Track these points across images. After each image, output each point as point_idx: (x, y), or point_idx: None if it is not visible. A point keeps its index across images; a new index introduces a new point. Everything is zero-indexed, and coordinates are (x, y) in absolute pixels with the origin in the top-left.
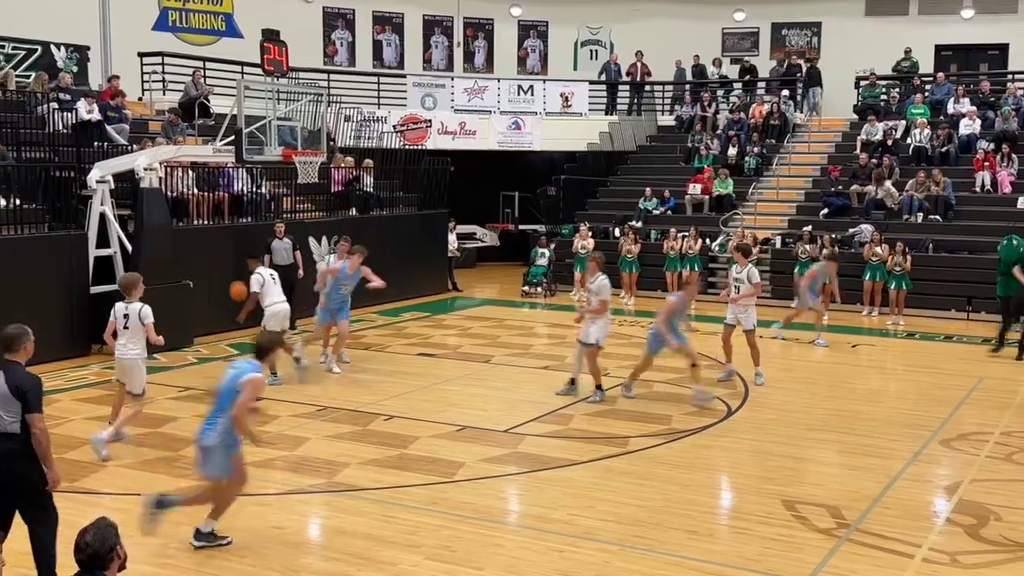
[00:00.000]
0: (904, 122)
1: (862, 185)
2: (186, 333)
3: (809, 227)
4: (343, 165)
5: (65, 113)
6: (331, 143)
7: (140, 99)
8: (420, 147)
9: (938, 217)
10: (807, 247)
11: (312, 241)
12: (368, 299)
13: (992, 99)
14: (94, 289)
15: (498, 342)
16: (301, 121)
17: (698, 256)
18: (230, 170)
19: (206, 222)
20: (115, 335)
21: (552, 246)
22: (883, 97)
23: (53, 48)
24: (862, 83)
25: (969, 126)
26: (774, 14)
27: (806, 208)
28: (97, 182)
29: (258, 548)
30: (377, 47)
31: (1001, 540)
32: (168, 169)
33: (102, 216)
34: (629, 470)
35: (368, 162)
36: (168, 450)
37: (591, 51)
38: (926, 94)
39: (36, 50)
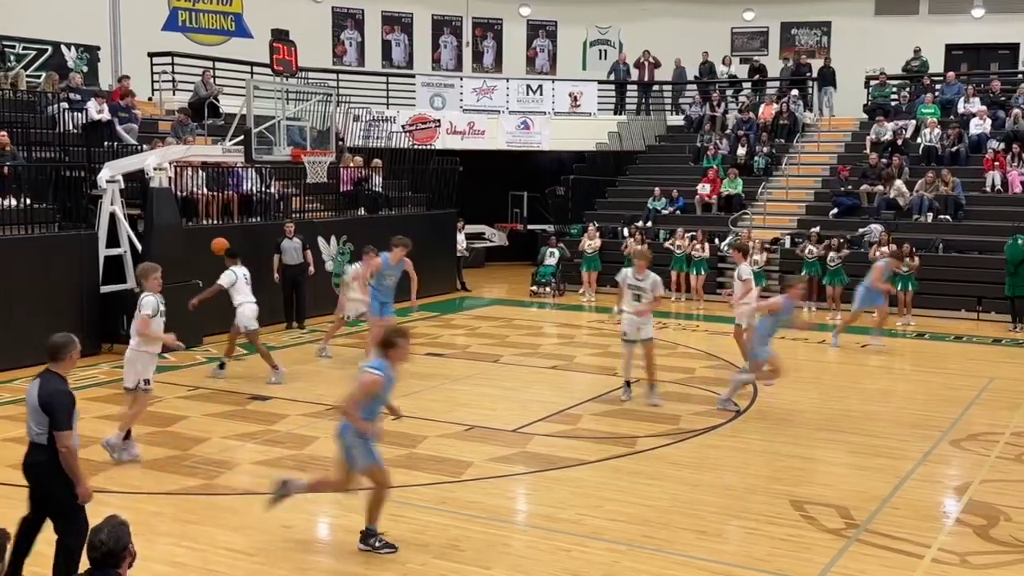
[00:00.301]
0: (914, 122)
1: (872, 185)
2: (195, 332)
3: (817, 228)
4: (352, 165)
5: (75, 113)
6: (340, 143)
7: (150, 99)
8: (429, 147)
9: (948, 217)
10: (813, 248)
11: (321, 241)
12: None
13: (1003, 99)
14: (104, 288)
15: (507, 342)
16: (310, 121)
17: (704, 259)
18: (239, 170)
19: (215, 222)
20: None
21: (561, 245)
22: (893, 97)
23: (63, 48)
24: (872, 83)
25: (979, 126)
26: (783, 13)
27: (815, 208)
28: (107, 182)
29: (267, 546)
30: (386, 47)
31: (1011, 541)
32: (178, 169)
33: (112, 216)
34: (637, 470)
35: (377, 162)
36: (177, 449)
37: (600, 51)
38: (936, 94)
39: (46, 50)
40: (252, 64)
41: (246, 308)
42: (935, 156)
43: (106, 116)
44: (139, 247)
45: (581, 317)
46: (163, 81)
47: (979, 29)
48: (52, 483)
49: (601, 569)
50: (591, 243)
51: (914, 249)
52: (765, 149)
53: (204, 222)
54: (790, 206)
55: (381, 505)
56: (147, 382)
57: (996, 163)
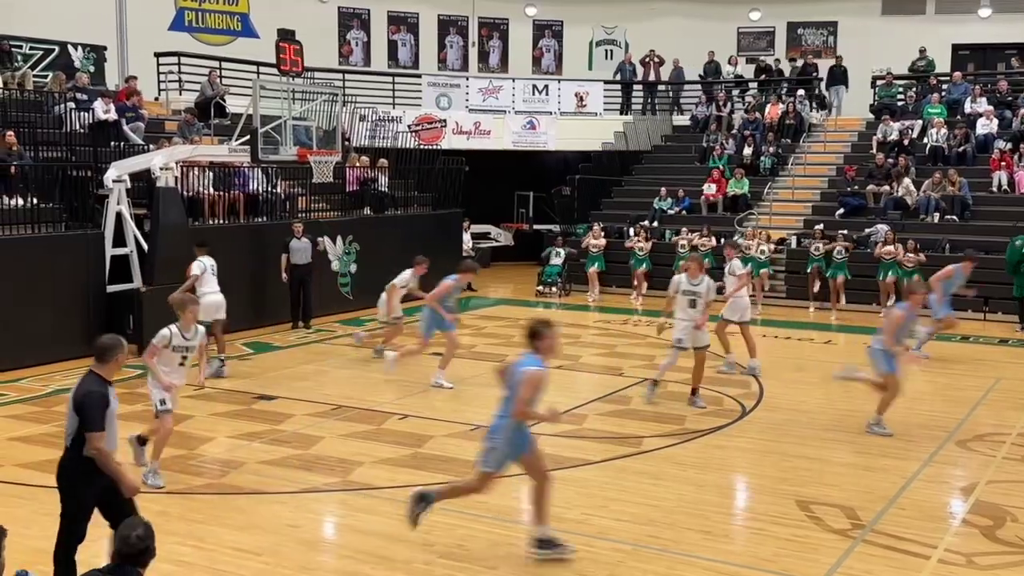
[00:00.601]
0: (921, 122)
1: (878, 185)
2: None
3: (821, 225)
4: (358, 165)
5: (82, 113)
6: (346, 143)
7: (156, 99)
8: (435, 147)
9: (955, 217)
10: (819, 244)
11: (327, 241)
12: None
13: (1009, 99)
14: (110, 288)
15: (512, 342)
16: (316, 121)
17: (710, 253)
18: (245, 170)
19: (221, 221)
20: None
21: (568, 248)
22: (900, 97)
23: (70, 48)
24: (878, 83)
25: (986, 126)
26: (790, 13)
27: (822, 208)
28: (114, 181)
29: (273, 546)
30: (392, 47)
31: (1018, 541)
32: (184, 168)
33: (118, 215)
34: (643, 470)
35: (383, 162)
36: (183, 448)
37: (606, 51)
38: (943, 94)
39: (53, 50)
40: (258, 64)
41: (212, 299)
42: (942, 156)
43: (113, 116)
44: (145, 247)
45: (587, 317)
46: (169, 81)
47: (986, 29)
48: (71, 482)
49: (607, 569)
50: (595, 241)
51: (918, 246)
52: (771, 149)
53: (210, 222)
54: (796, 206)
55: (545, 503)
56: (163, 402)
57: (1003, 163)
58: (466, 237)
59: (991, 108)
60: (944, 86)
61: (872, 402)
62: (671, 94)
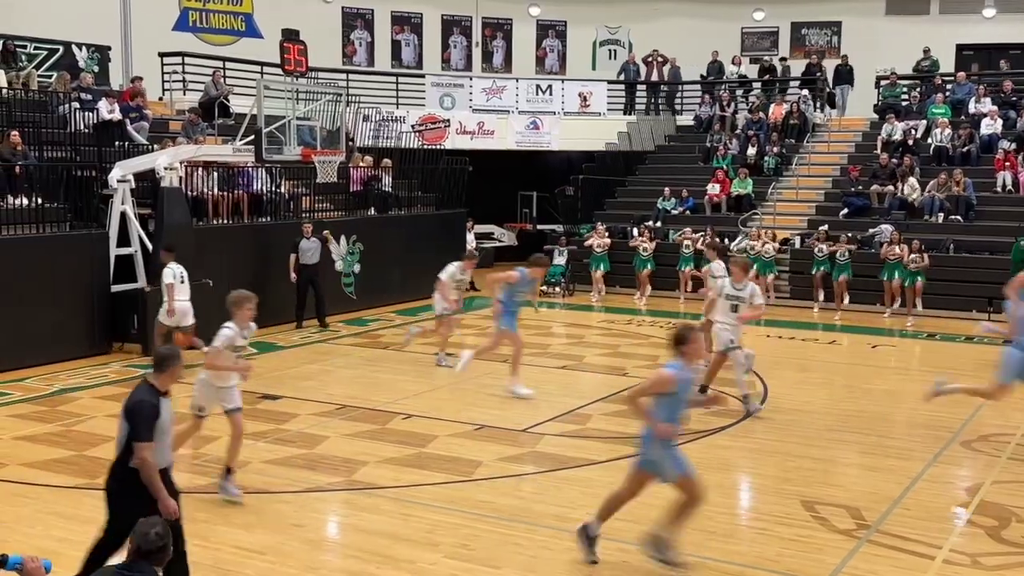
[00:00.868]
0: (925, 122)
1: (882, 185)
2: (205, 331)
3: (825, 226)
4: (362, 165)
5: (86, 113)
6: (350, 143)
7: (160, 99)
8: (438, 147)
9: (959, 217)
10: (823, 245)
11: (331, 241)
12: (386, 298)
13: (1014, 99)
14: (115, 288)
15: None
16: (320, 121)
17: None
18: (250, 170)
19: (225, 221)
20: None
21: (569, 247)
22: (904, 97)
23: (74, 48)
24: (882, 83)
25: (990, 126)
26: (794, 13)
27: (826, 208)
28: (118, 181)
29: (277, 546)
30: (396, 47)
31: (1022, 542)
32: (188, 168)
33: (123, 215)
34: None
35: (387, 162)
36: (187, 447)
37: (610, 51)
38: (947, 94)
39: (58, 50)
40: (262, 64)
41: (180, 306)
42: (946, 156)
43: (117, 116)
44: (150, 246)
45: (591, 317)
46: (174, 81)
47: (990, 29)
48: (115, 493)
49: (612, 569)
50: (600, 241)
51: (923, 246)
52: (775, 149)
53: (214, 222)
54: (800, 206)
55: (685, 518)
56: (201, 409)
57: (1007, 163)
58: (469, 237)
59: (995, 108)
60: (948, 86)
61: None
62: (667, 94)
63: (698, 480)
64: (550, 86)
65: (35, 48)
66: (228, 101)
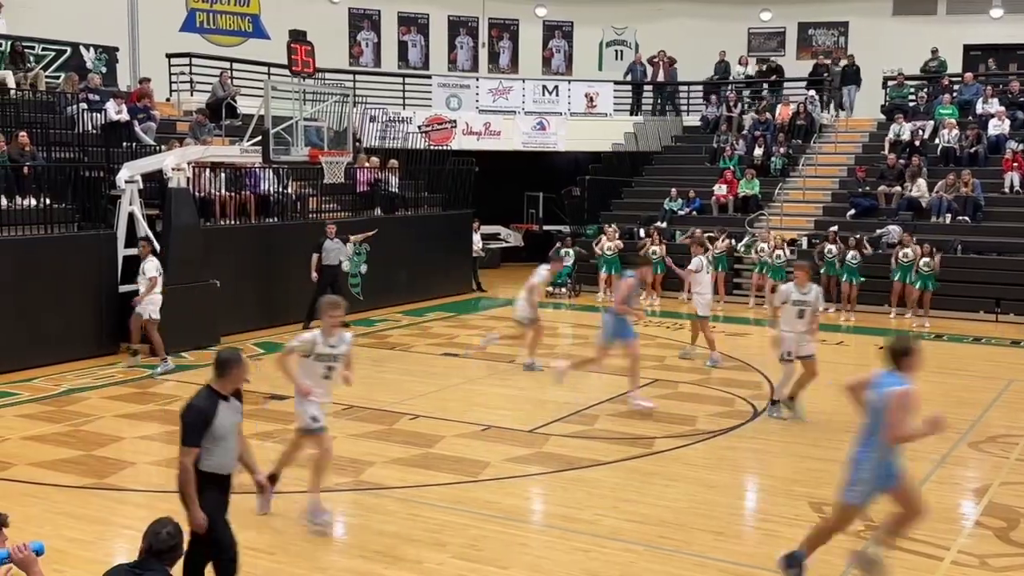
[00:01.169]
0: (932, 122)
1: (889, 186)
2: (212, 332)
3: (835, 227)
4: (368, 165)
5: (94, 113)
6: (357, 143)
7: (168, 100)
8: (445, 147)
9: (967, 218)
10: (832, 247)
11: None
12: (393, 298)
13: (1021, 99)
14: (123, 288)
15: (522, 343)
16: (327, 121)
17: (724, 256)
18: (257, 170)
19: (233, 222)
20: None
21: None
22: (911, 97)
23: (82, 49)
24: (890, 83)
25: (998, 126)
26: (800, 14)
27: (833, 209)
28: (126, 182)
29: (285, 545)
30: (402, 48)
31: None
32: (196, 169)
33: (131, 216)
34: (655, 471)
35: (393, 162)
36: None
37: (616, 51)
38: (954, 94)
39: (66, 51)
40: (269, 65)
41: (158, 298)
42: (953, 157)
43: (125, 117)
44: (158, 247)
45: (597, 318)
46: (181, 82)
47: (997, 29)
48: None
49: (619, 570)
50: (610, 244)
51: (934, 249)
52: (782, 150)
53: (222, 222)
54: (807, 207)
55: (902, 531)
56: (315, 419)
57: (1015, 164)
58: (476, 238)
59: (1003, 109)
60: (956, 87)
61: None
62: (668, 94)
63: (915, 490)
64: (556, 87)
65: (43, 49)
66: (235, 102)
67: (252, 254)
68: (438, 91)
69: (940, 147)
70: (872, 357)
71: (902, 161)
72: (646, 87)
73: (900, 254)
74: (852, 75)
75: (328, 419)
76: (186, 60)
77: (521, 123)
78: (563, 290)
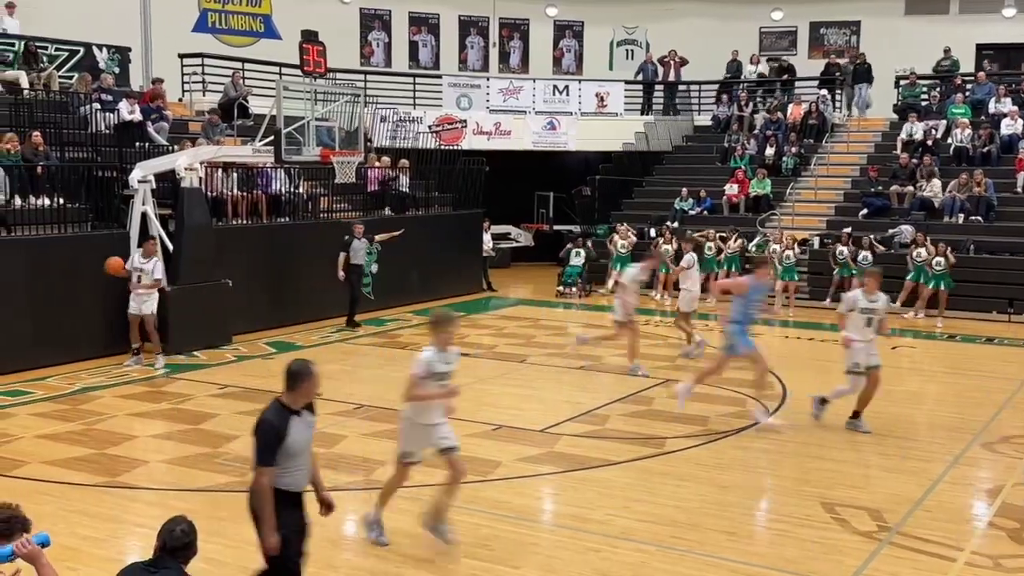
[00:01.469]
0: (945, 122)
1: (902, 185)
2: (224, 331)
3: (848, 228)
4: (379, 165)
5: (107, 114)
6: (368, 143)
7: (180, 100)
8: (455, 147)
9: (979, 218)
10: (844, 249)
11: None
12: (404, 298)
13: None
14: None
15: (533, 342)
16: (338, 121)
17: (737, 255)
18: (269, 170)
19: (244, 221)
20: None
21: (588, 246)
22: (923, 97)
23: (95, 49)
24: (902, 83)
25: (1011, 126)
26: (812, 13)
27: (845, 208)
28: (139, 182)
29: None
30: (413, 48)
31: None
32: (208, 169)
33: (144, 215)
34: (666, 471)
35: (404, 162)
36: (207, 446)
37: (627, 51)
38: (967, 94)
39: (79, 51)
40: (281, 65)
41: (155, 296)
42: (966, 157)
43: (137, 117)
44: (170, 246)
45: (608, 317)
46: (193, 82)
47: (1010, 29)
48: (256, 520)
49: (630, 570)
50: (623, 242)
51: (948, 249)
52: (794, 149)
53: (234, 222)
54: (819, 207)
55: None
56: (409, 455)
57: None
58: (486, 237)
59: (1016, 108)
60: (968, 86)
61: (907, 404)
62: (699, 94)
63: None
64: (567, 86)
65: (56, 49)
66: (247, 102)
67: (264, 253)
68: (449, 91)
69: (953, 147)
70: (886, 356)
71: (914, 161)
72: (657, 86)
73: (914, 254)
74: (863, 74)
75: (339, 419)
76: (198, 60)
77: (532, 123)
78: (573, 290)
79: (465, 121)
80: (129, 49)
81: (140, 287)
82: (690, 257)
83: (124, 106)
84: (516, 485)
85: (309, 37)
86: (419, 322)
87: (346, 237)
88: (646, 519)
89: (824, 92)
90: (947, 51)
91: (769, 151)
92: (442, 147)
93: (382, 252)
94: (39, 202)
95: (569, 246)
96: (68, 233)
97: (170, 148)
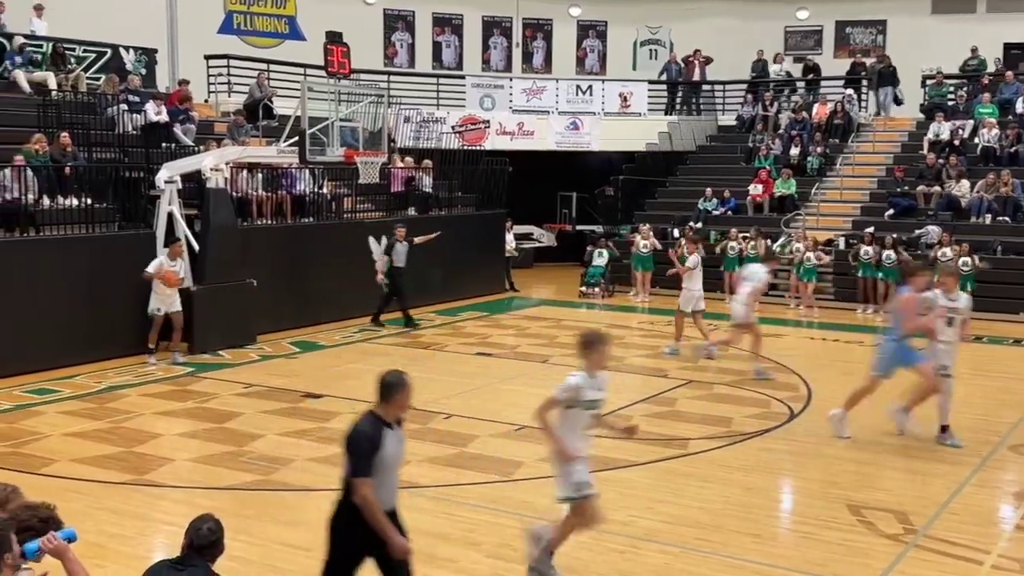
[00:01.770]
0: (972, 122)
1: (928, 185)
2: (248, 331)
3: (871, 228)
4: (401, 165)
5: (134, 115)
6: (391, 144)
7: (206, 101)
8: (478, 147)
9: (1007, 218)
10: (868, 249)
11: (372, 241)
12: (427, 298)
13: None
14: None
15: (556, 342)
16: (362, 122)
17: (759, 256)
18: (293, 171)
19: (269, 222)
20: None
21: (610, 245)
22: (950, 96)
23: (122, 51)
24: (928, 82)
25: None
26: (838, 12)
27: (871, 209)
28: (165, 182)
29: (322, 542)
30: (436, 48)
31: None
32: (234, 170)
33: (170, 215)
34: (690, 472)
35: (427, 162)
36: (232, 444)
37: (650, 51)
38: (995, 93)
39: (106, 53)
40: (305, 66)
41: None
42: (993, 156)
43: (164, 118)
44: (196, 246)
45: (631, 318)
46: (219, 83)
47: None
48: (336, 526)
49: (654, 571)
50: (645, 242)
51: (972, 249)
52: (819, 149)
53: (259, 222)
54: (844, 207)
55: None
56: (582, 485)
57: None
58: (509, 237)
59: None
60: (996, 85)
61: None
62: (723, 94)
63: None
64: (590, 86)
65: (84, 51)
66: (272, 103)
67: (288, 254)
68: (472, 91)
69: (980, 146)
70: None
71: (941, 161)
72: (680, 86)
73: (939, 254)
74: (888, 77)
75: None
76: (224, 62)
77: (555, 123)
78: (596, 290)
79: (488, 121)
80: (155, 51)
81: (167, 287)
82: (695, 258)
83: (151, 107)
84: (539, 485)
85: (333, 38)
86: (442, 322)
87: (388, 240)
88: (669, 520)
89: (850, 92)
90: (974, 50)
91: (794, 151)
92: (465, 147)
93: (409, 252)
94: (67, 202)
95: (590, 248)
96: (95, 233)
97: (196, 149)
